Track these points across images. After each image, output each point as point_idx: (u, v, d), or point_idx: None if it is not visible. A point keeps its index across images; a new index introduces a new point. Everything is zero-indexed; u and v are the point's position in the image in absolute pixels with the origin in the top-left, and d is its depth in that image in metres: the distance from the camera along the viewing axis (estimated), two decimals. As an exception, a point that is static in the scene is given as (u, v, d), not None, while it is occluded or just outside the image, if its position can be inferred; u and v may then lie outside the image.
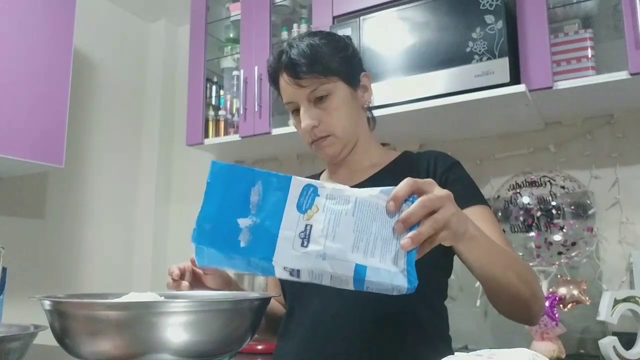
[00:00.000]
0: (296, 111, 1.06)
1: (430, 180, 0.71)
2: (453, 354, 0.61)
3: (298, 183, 0.68)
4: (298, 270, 0.66)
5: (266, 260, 0.65)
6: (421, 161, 1.08)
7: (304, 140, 1.08)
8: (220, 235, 0.66)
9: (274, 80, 1.08)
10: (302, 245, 0.66)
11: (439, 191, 0.69)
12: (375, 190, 0.68)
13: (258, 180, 0.68)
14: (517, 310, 0.92)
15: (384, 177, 1.07)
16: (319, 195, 0.68)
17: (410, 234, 0.66)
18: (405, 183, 0.68)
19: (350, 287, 0.67)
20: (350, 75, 1.05)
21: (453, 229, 0.70)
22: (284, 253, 0.65)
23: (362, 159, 1.11)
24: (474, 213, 0.98)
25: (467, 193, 1.01)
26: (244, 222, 0.66)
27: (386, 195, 0.68)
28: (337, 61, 1.03)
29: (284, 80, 1.04)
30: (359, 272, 0.65)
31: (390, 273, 0.66)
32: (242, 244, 0.66)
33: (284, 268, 0.66)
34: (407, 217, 0.67)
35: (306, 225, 0.66)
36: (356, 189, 0.69)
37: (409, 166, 1.08)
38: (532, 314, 0.93)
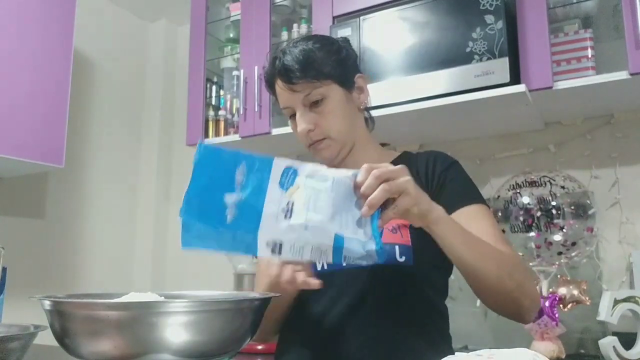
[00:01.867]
0: (293, 116, 1.07)
1: (389, 165, 0.79)
2: (454, 353, 0.62)
3: (280, 164, 0.73)
4: (280, 245, 0.71)
5: (252, 233, 0.70)
6: (420, 161, 1.09)
7: (302, 143, 1.09)
8: (207, 210, 0.70)
9: (270, 86, 1.10)
10: (286, 217, 0.71)
11: (394, 169, 0.79)
12: (350, 172, 0.77)
13: (242, 161, 0.72)
14: (505, 304, 0.94)
15: None
16: (299, 175, 0.74)
17: (367, 201, 0.75)
18: (364, 168, 0.77)
19: (330, 258, 0.73)
20: (344, 77, 1.06)
21: (412, 195, 0.78)
22: (269, 226, 0.71)
23: (361, 160, 1.09)
24: (471, 211, 0.99)
25: (465, 191, 1.04)
26: (230, 198, 0.70)
27: (354, 173, 0.77)
28: (330, 64, 1.04)
29: (279, 86, 1.06)
30: (338, 240, 0.72)
31: (361, 241, 0.73)
32: (229, 219, 0.70)
33: (267, 243, 0.71)
34: (364, 189, 0.75)
35: (288, 202, 0.72)
36: (333, 169, 0.77)
37: (408, 166, 1.08)
38: (523, 310, 0.94)
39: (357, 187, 0.77)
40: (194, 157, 0.72)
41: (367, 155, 1.11)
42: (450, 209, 0.97)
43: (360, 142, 1.11)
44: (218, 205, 0.70)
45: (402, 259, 0.98)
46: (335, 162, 1.07)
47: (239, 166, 0.72)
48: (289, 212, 0.72)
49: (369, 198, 0.75)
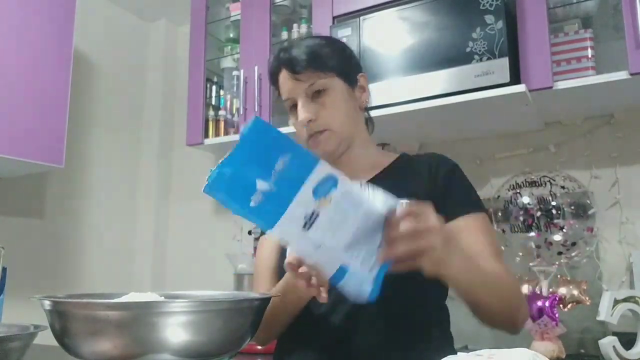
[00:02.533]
0: (294, 107, 1.07)
1: (427, 207, 0.75)
2: (456, 352, 0.62)
3: (323, 169, 0.69)
4: (287, 245, 0.71)
5: (268, 226, 0.68)
6: (421, 164, 1.09)
7: (300, 136, 1.08)
8: (235, 186, 0.67)
9: (274, 78, 1.10)
10: (304, 227, 0.68)
11: (432, 221, 0.74)
12: (387, 203, 0.72)
13: (288, 151, 0.69)
14: (500, 323, 0.98)
15: (383, 179, 1.07)
16: (336, 188, 0.69)
17: (387, 248, 0.71)
18: (404, 211, 0.72)
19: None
20: (347, 73, 1.08)
21: (433, 260, 0.74)
22: (286, 226, 0.68)
23: (360, 159, 1.11)
24: (470, 221, 1.01)
25: (466, 200, 1.04)
26: (262, 185, 0.67)
27: (390, 209, 0.72)
28: (335, 59, 1.06)
29: (283, 76, 1.06)
30: (340, 271, 0.70)
31: (362, 278, 0.71)
32: (252, 204, 0.67)
33: (279, 238, 0.71)
34: (393, 237, 0.71)
35: (314, 212, 0.68)
36: (371, 191, 0.72)
37: (409, 169, 1.09)
38: (516, 327, 0.98)
39: (388, 223, 0.72)
40: (244, 128, 0.68)
41: (366, 154, 1.11)
42: (453, 216, 0.99)
43: (359, 141, 1.10)
44: (248, 187, 0.67)
45: None
46: (333, 157, 1.06)
47: (284, 155, 0.68)
48: (310, 222, 0.68)
49: (396, 251, 0.71)
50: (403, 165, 1.11)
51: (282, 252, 1.03)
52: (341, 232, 0.69)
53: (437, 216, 0.75)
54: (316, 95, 1.05)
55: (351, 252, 0.70)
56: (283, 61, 1.06)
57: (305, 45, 1.07)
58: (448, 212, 0.96)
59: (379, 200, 0.72)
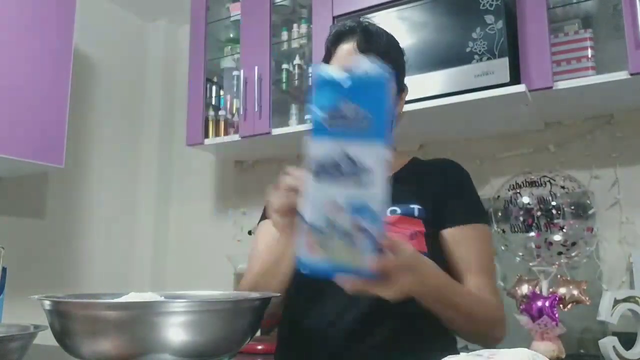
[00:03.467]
0: None
1: (403, 243, 0.72)
2: (458, 352, 0.62)
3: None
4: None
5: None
6: (432, 170, 1.10)
7: None
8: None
9: (336, 42, 1.06)
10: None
11: (404, 258, 0.70)
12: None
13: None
14: (473, 340, 1.01)
15: (396, 184, 1.04)
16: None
17: (354, 280, 0.66)
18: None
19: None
20: (401, 79, 1.08)
21: (399, 292, 0.71)
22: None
23: None
24: (469, 232, 1.02)
25: (471, 209, 1.05)
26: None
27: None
28: (400, 62, 1.07)
29: (353, 48, 1.03)
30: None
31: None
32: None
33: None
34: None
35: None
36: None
37: (420, 174, 1.10)
38: (489, 344, 0.97)
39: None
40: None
41: None
42: (455, 223, 1.01)
43: None
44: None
45: None
46: None
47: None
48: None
49: (356, 282, 0.67)
50: (414, 170, 1.12)
51: None
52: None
53: (412, 251, 0.74)
54: None
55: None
56: (358, 34, 1.03)
57: (387, 35, 1.06)
58: (451, 217, 1.00)
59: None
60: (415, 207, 1.01)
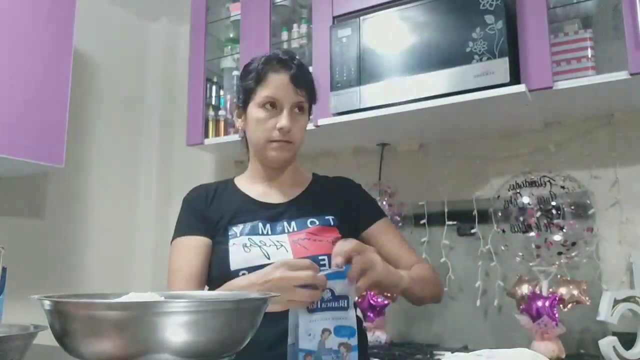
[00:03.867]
0: (272, 107, 1.20)
1: (365, 246, 0.99)
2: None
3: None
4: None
5: None
6: (332, 186, 1.33)
7: (261, 133, 1.22)
8: None
9: (265, 72, 1.21)
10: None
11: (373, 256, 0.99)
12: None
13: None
14: (428, 302, 1.22)
15: (307, 198, 1.29)
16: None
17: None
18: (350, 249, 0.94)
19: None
20: (313, 105, 1.29)
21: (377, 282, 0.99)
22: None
23: (291, 176, 1.32)
24: (382, 225, 1.28)
25: (373, 209, 1.32)
26: None
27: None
28: (314, 91, 1.27)
29: (282, 78, 1.20)
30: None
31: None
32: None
33: None
34: (352, 277, 0.93)
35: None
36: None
37: (327, 189, 1.32)
38: (438, 300, 1.25)
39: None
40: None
41: (294, 171, 1.32)
42: (369, 222, 1.27)
43: (295, 160, 1.32)
44: None
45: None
46: (285, 165, 1.28)
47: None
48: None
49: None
50: (319, 186, 1.33)
51: (200, 257, 1.26)
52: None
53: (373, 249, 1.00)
54: (297, 111, 1.22)
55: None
56: (292, 69, 1.20)
57: (306, 69, 1.25)
58: (366, 219, 1.27)
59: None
60: (330, 218, 1.22)
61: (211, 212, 1.31)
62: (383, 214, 1.31)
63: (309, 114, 1.28)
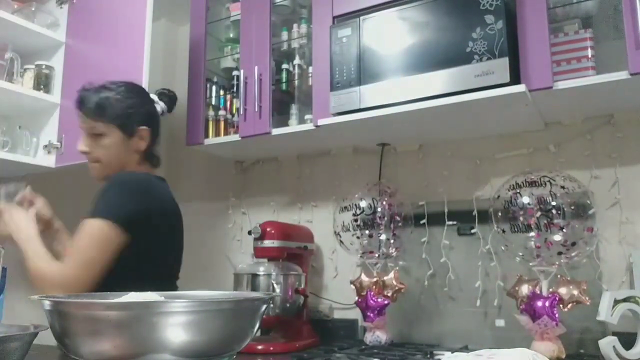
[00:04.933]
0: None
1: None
2: None
3: None
4: None
5: None
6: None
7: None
8: None
9: (78, 107, 1.57)
10: None
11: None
12: None
13: None
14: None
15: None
16: None
17: None
18: None
19: None
20: (125, 126, 1.55)
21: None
22: None
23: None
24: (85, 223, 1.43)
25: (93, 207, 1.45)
26: None
27: None
28: (118, 115, 1.53)
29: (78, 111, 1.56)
30: None
31: None
32: None
33: None
34: None
35: None
36: None
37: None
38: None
39: None
40: None
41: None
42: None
43: (127, 170, 1.57)
44: None
45: None
46: (100, 179, 1.57)
47: None
48: None
49: None
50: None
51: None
52: None
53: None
54: (95, 136, 1.52)
55: None
56: (79, 103, 1.52)
57: (100, 96, 1.51)
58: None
59: None
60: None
61: None
62: (94, 214, 1.44)
63: (127, 133, 1.55)
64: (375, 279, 1.87)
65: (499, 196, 1.73)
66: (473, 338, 1.85)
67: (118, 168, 1.54)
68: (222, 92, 2.38)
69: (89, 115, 1.51)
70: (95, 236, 1.40)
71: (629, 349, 1.46)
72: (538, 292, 1.57)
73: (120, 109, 1.53)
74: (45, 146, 2.26)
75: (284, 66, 2.19)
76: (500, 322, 1.82)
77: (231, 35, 2.38)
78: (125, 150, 1.55)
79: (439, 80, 1.66)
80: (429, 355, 1.60)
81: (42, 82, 2.23)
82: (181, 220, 1.72)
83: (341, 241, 2.00)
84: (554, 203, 1.60)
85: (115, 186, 1.46)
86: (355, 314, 2.06)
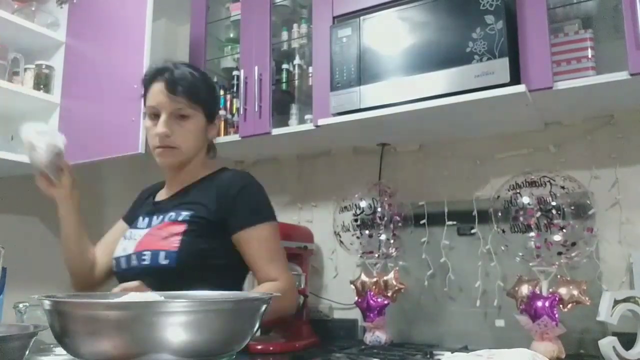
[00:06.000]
0: (155, 117, 1.33)
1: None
2: None
3: None
4: None
5: None
6: (216, 183, 1.38)
7: (151, 143, 1.37)
8: None
9: (148, 83, 1.36)
10: None
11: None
12: None
13: None
14: (273, 323, 1.41)
15: (184, 194, 1.39)
16: None
17: None
18: None
19: None
20: (210, 111, 1.40)
21: None
22: None
23: (187, 176, 1.42)
24: (249, 233, 1.29)
25: (245, 214, 1.31)
26: None
27: None
28: (206, 97, 1.37)
29: (158, 88, 1.32)
30: None
31: None
32: None
33: None
34: None
35: None
36: None
37: (206, 186, 1.38)
38: (284, 320, 1.59)
39: None
40: None
41: (193, 172, 1.43)
42: (235, 229, 1.29)
43: (195, 161, 1.43)
44: None
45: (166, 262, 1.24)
46: (172, 168, 1.40)
47: None
48: None
49: None
50: (206, 183, 1.39)
51: (112, 234, 1.55)
52: None
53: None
54: (180, 117, 1.32)
55: None
56: (166, 77, 1.31)
57: (189, 72, 1.34)
58: (233, 224, 1.29)
59: None
60: (185, 213, 1.29)
61: (138, 205, 1.55)
62: (258, 220, 1.31)
63: (210, 118, 1.40)
64: (375, 279, 1.87)
65: (499, 196, 1.73)
66: (473, 338, 1.85)
67: (192, 156, 1.39)
68: (222, 92, 2.38)
69: (179, 94, 1.31)
70: (278, 238, 1.36)
71: (628, 349, 1.46)
72: (538, 292, 1.57)
73: (208, 92, 1.40)
74: (45, 146, 2.25)
75: (284, 66, 2.19)
76: (500, 322, 1.82)
77: (231, 35, 2.38)
78: (203, 137, 1.41)
79: (439, 81, 1.66)
80: (428, 356, 1.60)
81: (42, 82, 2.23)
82: None
83: (341, 241, 2.00)
84: (554, 203, 1.60)
85: (256, 189, 1.40)
86: (355, 314, 2.06)
